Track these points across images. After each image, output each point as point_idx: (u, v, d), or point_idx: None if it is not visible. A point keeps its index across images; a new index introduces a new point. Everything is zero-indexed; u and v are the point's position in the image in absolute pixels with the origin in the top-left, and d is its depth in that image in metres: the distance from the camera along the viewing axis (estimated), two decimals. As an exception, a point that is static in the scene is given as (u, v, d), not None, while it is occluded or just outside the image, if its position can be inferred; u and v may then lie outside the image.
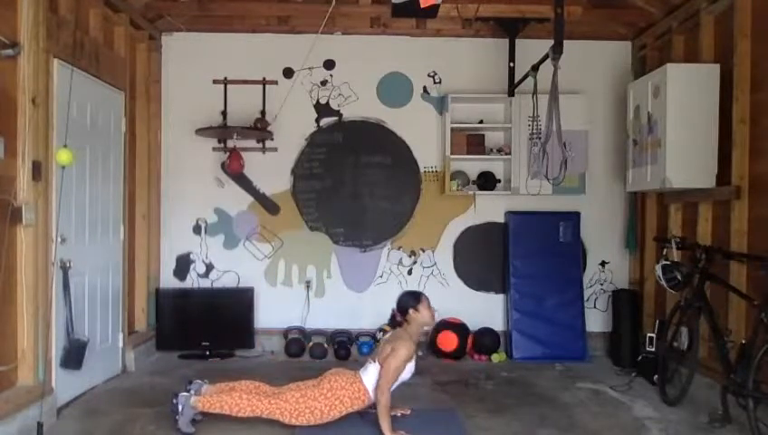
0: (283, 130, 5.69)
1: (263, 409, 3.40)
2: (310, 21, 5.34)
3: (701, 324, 4.21)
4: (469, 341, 5.55)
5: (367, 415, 3.59)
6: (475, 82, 5.79)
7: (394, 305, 3.71)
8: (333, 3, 4.60)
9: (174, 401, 3.51)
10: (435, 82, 5.86)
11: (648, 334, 4.81)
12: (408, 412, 3.77)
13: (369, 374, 3.52)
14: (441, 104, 5.79)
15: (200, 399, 3.51)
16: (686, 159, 4.40)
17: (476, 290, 5.87)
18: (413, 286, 5.61)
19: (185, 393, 3.53)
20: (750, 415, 3.41)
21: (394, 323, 3.65)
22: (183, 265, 5.80)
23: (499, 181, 5.78)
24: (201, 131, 5.48)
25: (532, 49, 5.10)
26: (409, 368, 3.52)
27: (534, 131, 4.99)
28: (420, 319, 3.56)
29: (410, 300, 3.62)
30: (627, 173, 5.20)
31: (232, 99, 5.73)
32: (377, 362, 3.50)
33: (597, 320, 5.81)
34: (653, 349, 4.65)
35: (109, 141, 4.70)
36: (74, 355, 4.02)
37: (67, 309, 4.01)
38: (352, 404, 3.49)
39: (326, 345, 5.55)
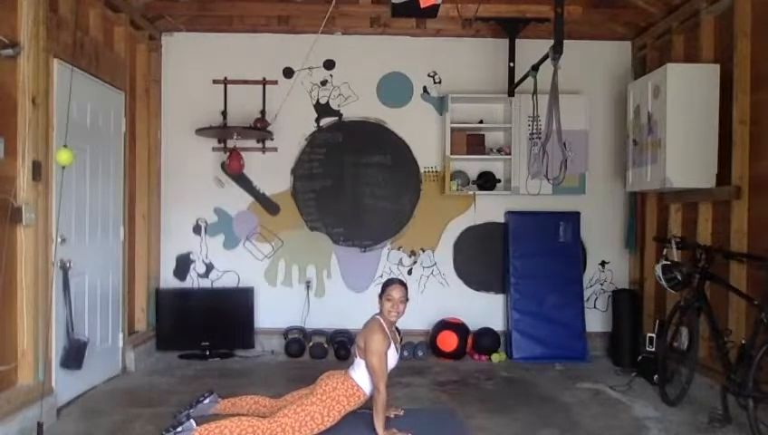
0: (283, 130, 5.69)
1: (264, 429, 3.38)
2: (310, 21, 5.35)
3: (701, 324, 4.21)
4: (469, 341, 5.55)
5: (363, 414, 3.59)
6: (475, 82, 5.79)
7: None
8: (333, 3, 4.59)
9: (180, 419, 3.38)
10: (435, 82, 5.85)
11: (648, 334, 4.81)
12: (401, 413, 3.75)
13: (356, 369, 3.52)
14: (441, 104, 5.79)
15: (199, 429, 3.42)
16: (686, 159, 4.40)
17: (476, 290, 5.86)
18: (413, 286, 5.52)
19: (188, 423, 3.42)
20: (750, 415, 3.41)
21: None
22: (183, 265, 5.80)
23: (499, 181, 5.78)
24: (201, 131, 5.49)
25: (532, 49, 5.09)
26: (392, 356, 3.51)
27: (534, 131, 4.99)
28: (383, 308, 3.54)
29: (383, 288, 3.57)
30: (627, 173, 5.19)
31: (232, 99, 5.73)
32: (359, 357, 3.51)
33: (597, 320, 5.81)
34: (653, 349, 4.65)
35: (109, 141, 4.70)
36: (74, 355, 4.02)
37: (67, 309, 4.01)
38: (348, 402, 3.48)
39: (326, 345, 5.55)
